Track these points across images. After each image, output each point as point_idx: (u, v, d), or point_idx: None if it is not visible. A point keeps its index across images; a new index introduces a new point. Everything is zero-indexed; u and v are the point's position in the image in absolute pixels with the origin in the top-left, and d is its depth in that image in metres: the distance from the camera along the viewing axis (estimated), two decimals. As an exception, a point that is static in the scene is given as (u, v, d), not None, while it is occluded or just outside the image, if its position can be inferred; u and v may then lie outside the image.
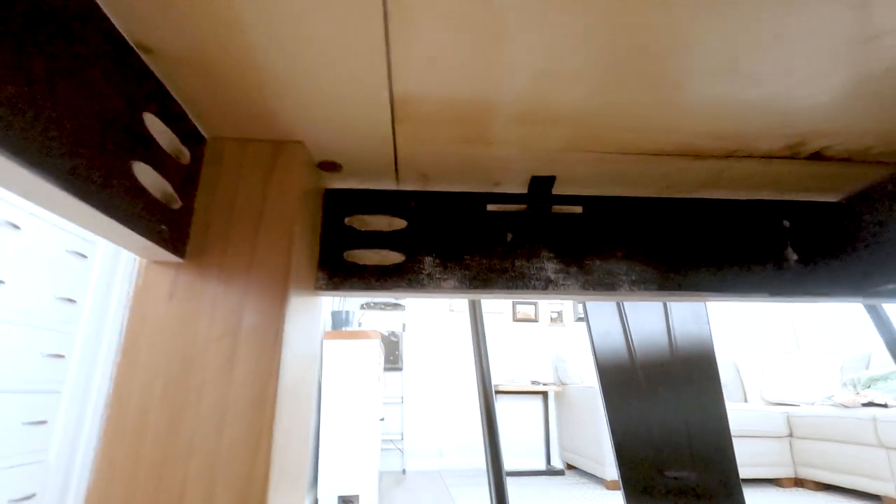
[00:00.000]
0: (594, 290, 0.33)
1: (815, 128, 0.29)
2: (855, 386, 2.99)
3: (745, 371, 3.74)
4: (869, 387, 2.89)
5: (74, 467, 2.26)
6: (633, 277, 0.34)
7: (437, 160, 0.32)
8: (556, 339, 4.23)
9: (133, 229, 0.22)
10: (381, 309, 3.94)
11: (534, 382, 3.85)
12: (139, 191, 0.22)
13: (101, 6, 0.19)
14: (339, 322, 2.68)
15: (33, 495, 2.02)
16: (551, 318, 4.24)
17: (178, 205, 0.26)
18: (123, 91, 0.21)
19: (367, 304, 3.87)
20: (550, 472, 3.54)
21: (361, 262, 0.33)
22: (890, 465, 2.42)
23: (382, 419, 3.48)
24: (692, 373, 0.62)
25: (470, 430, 3.93)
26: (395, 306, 3.96)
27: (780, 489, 2.99)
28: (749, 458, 2.96)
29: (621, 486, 0.59)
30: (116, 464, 0.23)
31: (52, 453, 2.14)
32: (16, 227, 1.81)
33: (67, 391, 2.17)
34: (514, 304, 4.25)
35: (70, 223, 2.11)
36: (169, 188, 0.25)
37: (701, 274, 0.34)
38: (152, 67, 0.23)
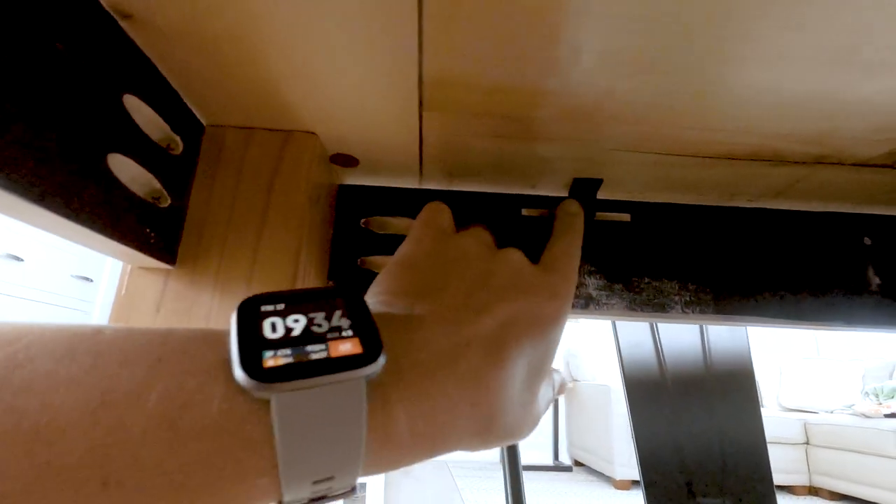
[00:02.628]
0: (641, 310, 0.29)
1: (925, 132, 0.24)
2: (878, 396, 2.90)
3: (762, 375, 3.65)
4: (892, 397, 2.80)
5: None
6: (687, 298, 0.29)
7: (467, 156, 0.28)
8: (568, 335, 4.18)
9: (108, 235, 0.18)
10: (393, 297, 3.92)
11: (544, 377, 3.81)
12: (116, 188, 0.18)
13: (67, -42, 0.16)
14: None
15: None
16: (564, 313, 4.18)
17: (167, 203, 0.22)
18: (94, 67, 0.17)
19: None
20: (558, 467, 3.52)
21: (377, 271, 0.29)
22: (912, 480, 2.34)
23: (391, 408, 3.48)
24: (728, 389, 0.57)
25: (478, 421, 3.91)
26: (407, 295, 3.94)
27: (794, 497, 2.93)
28: (763, 465, 2.90)
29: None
30: None
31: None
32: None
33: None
34: (526, 298, 4.20)
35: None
36: (156, 184, 0.21)
37: (765, 297, 0.30)
38: (134, 38, 0.19)
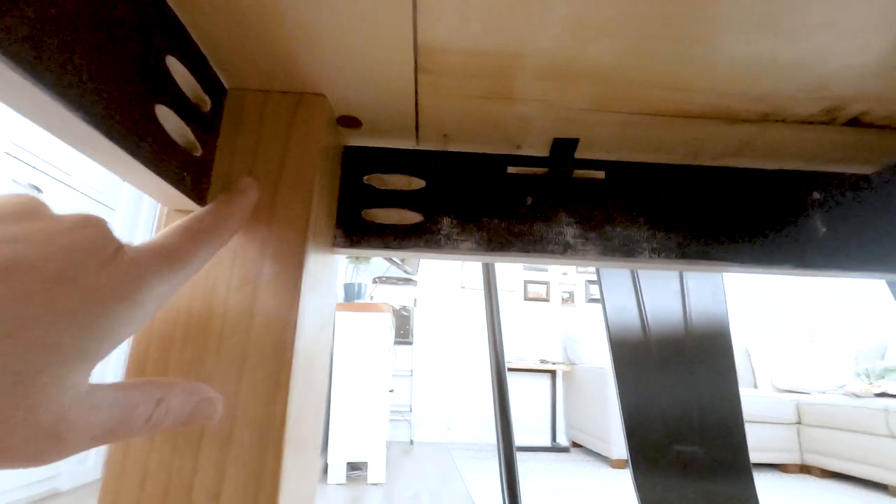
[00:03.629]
0: (613, 256, 0.33)
1: (854, 91, 0.27)
2: (869, 376, 2.96)
3: (757, 357, 3.71)
4: (883, 377, 2.86)
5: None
6: (654, 245, 0.33)
7: (458, 118, 0.32)
8: (566, 320, 4.23)
9: (158, 174, 0.22)
10: (394, 283, 3.97)
11: (542, 361, 3.87)
12: (163, 135, 0.22)
13: (125, -61, 0.19)
14: (351, 294, 2.71)
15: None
16: (563, 299, 4.24)
17: (199, 153, 0.26)
18: (145, 31, 0.21)
19: (380, 277, 3.90)
20: (556, 448, 3.59)
21: (379, 221, 0.33)
22: (899, 456, 2.40)
23: (392, 391, 3.55)
24: (707, 350, 0.61)
25: (477, 405, 3.99)
26: (407, 281, 3.98)
27: (785, 474, 3.00)
28: (755, 444, 2.96)
29: (629, 457, 0.59)
30: (140, 403, 0.24)
31: (76, 410, 2.21)
32: (38, 189, 1.84)
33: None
34: (525, 284, 4.25)
35: (89, 187, 2.14)
36: (191, 135, 0.25)
37: (724, 244, 0.34)
38: (174, 8, 0.22)
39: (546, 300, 4.22)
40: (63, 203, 1.94)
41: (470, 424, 3.92)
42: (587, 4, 0.22)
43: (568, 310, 4.21)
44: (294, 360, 0.25)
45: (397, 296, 3.98)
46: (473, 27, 0.23)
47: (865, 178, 0.35)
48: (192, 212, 0.26)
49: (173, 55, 0.23)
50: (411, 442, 3.75)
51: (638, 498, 0.55)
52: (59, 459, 0.14)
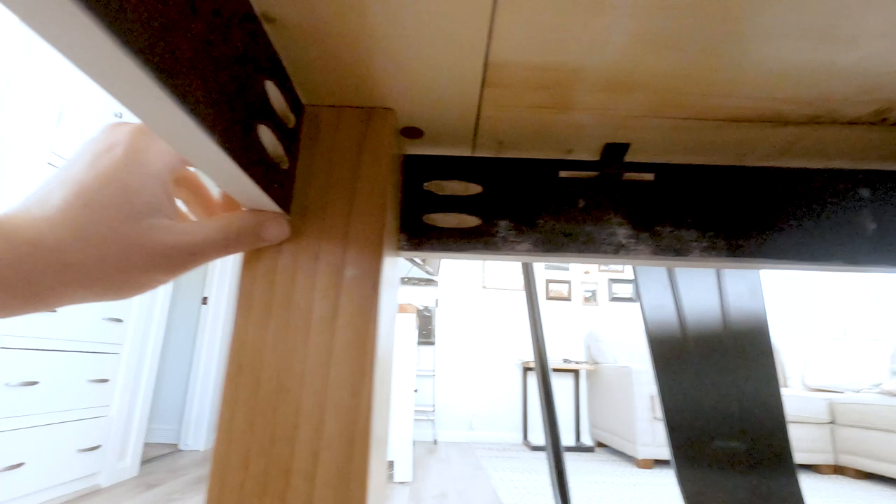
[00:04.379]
0: (664, 255, 0.34)
1: (906, 93, 0.28)
2: (906, 374, 2.87)
3: (787, 355, 3.63)
4: (922, 376, 2.77)
5: (133, 421, 2.44)
6: (704, 244, 0.35)
7: (514, 127, 0.34)
8: (589, 319, 4.21)
9: (258, 184, 0.24)
10: (415, 284, 4.00)
11: (566, 360, 3.86)
12: (263, 151, 0.25)
13: (238, -21, 0.21)
14: (375, 295, 2.74)
15: (99, 447, 2.20)
16: (585, 298, 4.21)
17: (286, 165, 0.28)
18: (252, 59, 0.23)
19: (402, 278, 3.93)
20: (580, 448, 3.57)
21: (440, 225, 0.35)
22: (940, 456, 2.33)
23: (416, 391, 3.58)
24: (746, 347, 0.62)
25: (500, 404, 3.99)
26: (429, 282, 4.01)
27: (819, 476, 2.93)
28: (787, 444, 2.90)
29: (671, 453, 0.60)
30: (239, 394, 0.26)
31: (114, 409, 2.31)
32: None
33: (125, 352, 2.33)
34: (547, 283, 4.24)
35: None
36: (280, 150, 0.27)
37: (772, 242, 0.35)
38: (271, 37, 0.25)
39: (568, 299, 4.20)
40: (102, 210, 2.02)
41: (493, 424, 3.93)
42: (649, 21, 0.24)
43: (590, 309, 4.18)
44: (376, 355, 0.27)
45: (419, 296, 4.01)
46: (541, 44, 0.25)
47: (913, 175, 0.36)
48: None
49: (270, 80, 0.25)
50: (435, 441, 3.78)
51: (681, 492, 0.56)
52: (177, 272, 0.24)
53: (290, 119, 0.28)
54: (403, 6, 0.23)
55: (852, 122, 0.31)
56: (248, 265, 0.28)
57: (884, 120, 0.31)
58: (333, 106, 0.31)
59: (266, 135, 0.25)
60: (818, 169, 0.36)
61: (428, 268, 3.43)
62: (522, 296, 4.18)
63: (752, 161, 0.37)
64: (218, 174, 0.23)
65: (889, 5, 0.22)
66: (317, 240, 0.29)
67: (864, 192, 0.36)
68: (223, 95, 0.20)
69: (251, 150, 0.23)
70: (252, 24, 0.23)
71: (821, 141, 0.34)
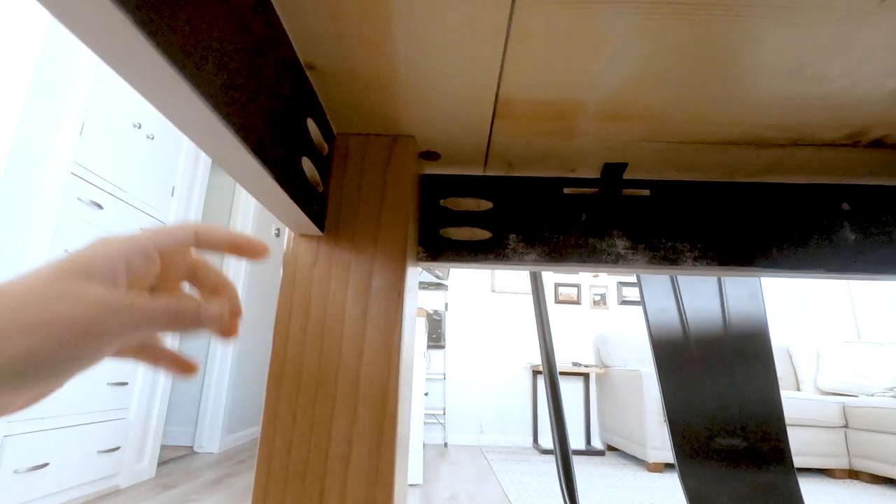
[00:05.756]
0: (660, 264, 0.38)
1: (875, 120, 0.31)
2: (920, 378, 2.84)
3: (799, 358, 3.61)
4: (936, 379, 2.74)
5: (150, 424, 2.50)
6: (696, 254, 0.38)
7: (522, 150, 0.37)
8: (598, 322, 4.21)
9: (300, 207, 0.28)
10: (425, 288, 4.03)
11: (575, 364, 3.86)
12: (304, 178, 0.28)
13: (288, 34, 0.25)
14: (386, 299, 2.78)
15: (118, 448, 2.26)
16: (594, 301, 4.22)
17: (321, 188, 0.32)
18: (297, 100, 0.27)
19: (412, 283, 3.96)
20: (591, 451, 3.58)
21: (455, 238, 0.39)
22: (955, 461, 2.31)
23: (426, 394, 3.61)
24: (745, 349, 0.65)
25: (510, 408, 4.01)
26: (438, 286, 4.04)
27: (833, 480, 2.91)
28: (799, 448, 2.89)
29: (673, 451, 0.63)
30: (283, 385, 0.30)
31: (132, 411, 2.37)
32: (99, 206, 1.98)
33: (144, 357, 2.38)
34: (556, 286, 4.25)
35: (142, 203, 2.29)
36: (317, 175, 0.31)
37: (760, 252, 0.38)
38: (311, 81, 0.29)
39: (577, 303, 4.21)
40: (119, 216, 2.08)
41: (503, 427, 3.94)
42: (641, 64, 0.27)
43: (600, 312, 4.19)
44: (401, 355, 0.31)
45: (429, 300, 4.05)
46: (546, 83, 0.29)
47: (892, 189, 0.39)
48: (314, 236, 0.33)
49: (310, 117, 0.29)
50: (445, 444, 3.80)
51: (683, 488, 0.59)
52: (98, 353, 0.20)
53: (325, 147, 0.32)
54: (426, 55, 0.27)
55: (829, 144, 0.34)
56: (286, 276, 0.32)
57: (857, 143, 0.34)
58: (360, 134, 0.35)
59: (307, 165, 0.29)
60: (802, 184, 0.39)
61: (438, 272, 3.47)
62: (531, 299, 4.19)
63: (741, 177, 0.40)
64: (270, 202, 0.27)
65: (846, 53, 0.25)
66: (348, 253, 0.33)
67: (845, 206, 0.39)
68: (279, 135, 0.24)
69: (297, 179, 0.27)
70: (297, 71, 0.27)
71: (803, 160, 0.37)
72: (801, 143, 0.34)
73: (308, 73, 0.28)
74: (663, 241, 0.38)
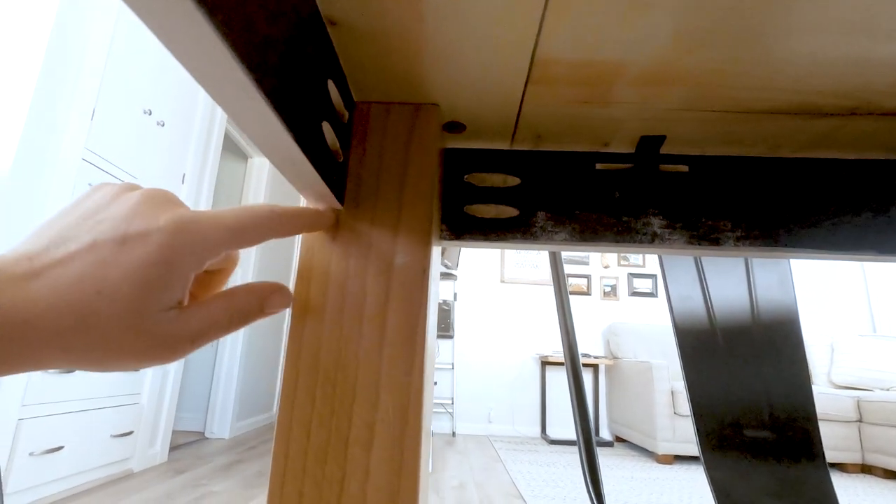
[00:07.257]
0: (699, 244, 0.35)
1: (945, 84, 0.29)
2: (938, 373, 2.79)
3: (813, 352, 3.55)
4: (955, 374, 2.69)
5: (163, 409, 2.52)
6: (739, 234, 0.35)
7: (553, 121, 0.35)
8: (608, 313, 4.18)
9: (321, 176, 0.26)
10: (434, 278, 4.02)
11: (584, 355, 3.84)
12: (325, 145, 0.26)
13: (308, -13, 0.23)
14: (396, 288, 2.77)
15: (131, 433, 2.28)
16: (604, 292, 4.18)
17: (341, 158, 0.30)
18: (318, 60, 0.25)
19: (421, 272, 3.96)
20: (599, 443, 3.57)
21: (479, 216, 0.37)
22: (974, 457, 2.27)
23: (435, 383, 3.61)
24: (775, 338, 0.62)
25: (518, 398, 4.00)
26: (448, 276, 4.02)
27: (846, 475, 2.88)
28: (812, 441, 2.85)
29: (698, 442, 0.61)
30: (300, 367, 0.29)
31: (145, 396, 2.39)
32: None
33: (156, 343, 2.40)
34: (566, 277, 4.22)
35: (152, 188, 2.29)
36: (337, 144, 0.29)
37: (806, 232, 0.35)
38: (333, 39, 0.27)
39: (587, 293, 4.18)
40: (133, 204, 2.08)
41: (511, 418, 3.95)
42: (688, 18, 0.25)
43: (610, 303, 4.15)
44: (426, 337, 0.29)
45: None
46: (586, 42, 0.26)
47: (951, 165, 0.36)
48: (332, 209, 0.31)
49: (331, 79, 0.27)
50: (453, 434, 3.82)
51: (709, 480, 0.57)
52: (174, 358, 0.22)
53: (345, 115, 0.30)
54: (459, 13, 0.24)
55: (889, 113, 0.32)
56: (304, 253, 0.31)
57: (921, 111, 0.31)
58: (382, 102, 0.33)
59: (328, 131, 0.27)
60: (852, 160, 0.37)
61: (447, 261, 3.46)
62: (540, 290, 4.17)
63: (785, 152, 0.37)
64: (290, 168, 0.25)
65: (929, 0, 0.22)
66: (368, 228, 0.31)
67: (900, 183, 0.36)
68: (300, 95, 0.22)
69: (318, 146, 0.25)
70: (318, 27, 0.25)
71: (856, 132, 0.34)
72: (858, 113, 0.32)
73: (330, 29, 0.26)
74: (703, 220, 0.36)
